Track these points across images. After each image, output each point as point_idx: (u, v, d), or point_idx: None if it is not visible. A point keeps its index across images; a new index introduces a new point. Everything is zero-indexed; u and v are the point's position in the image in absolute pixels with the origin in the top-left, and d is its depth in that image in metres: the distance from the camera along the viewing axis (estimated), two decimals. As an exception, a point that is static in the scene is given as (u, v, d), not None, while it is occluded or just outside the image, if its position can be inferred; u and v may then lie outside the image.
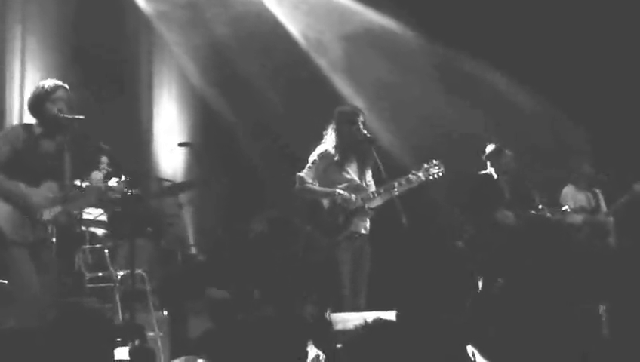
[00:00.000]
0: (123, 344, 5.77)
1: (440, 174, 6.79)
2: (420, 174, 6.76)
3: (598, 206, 8.73)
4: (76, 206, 6.11)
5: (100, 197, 6.19)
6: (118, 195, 6.03)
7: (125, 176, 5.95)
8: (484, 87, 10.04)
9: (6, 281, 5.64)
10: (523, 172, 8.20)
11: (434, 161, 6.83)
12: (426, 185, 6.86)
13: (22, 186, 5.62)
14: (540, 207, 8.00)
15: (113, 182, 5.98)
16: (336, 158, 6.73)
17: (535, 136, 9.57)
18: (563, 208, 8.27)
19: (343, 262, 6.56)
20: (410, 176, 6.74)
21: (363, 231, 6.75)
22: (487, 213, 7.76)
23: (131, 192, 6.01)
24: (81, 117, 5.74)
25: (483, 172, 8.17)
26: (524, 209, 7.94)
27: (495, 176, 8.09)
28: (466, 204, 8.08)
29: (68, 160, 5.79)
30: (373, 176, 6.87)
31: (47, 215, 5.66)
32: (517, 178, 8.14)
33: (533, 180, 8.40)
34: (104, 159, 8.44)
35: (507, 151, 8.15)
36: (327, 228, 6.64)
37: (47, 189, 5.69)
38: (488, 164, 8.16)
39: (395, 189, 6.62)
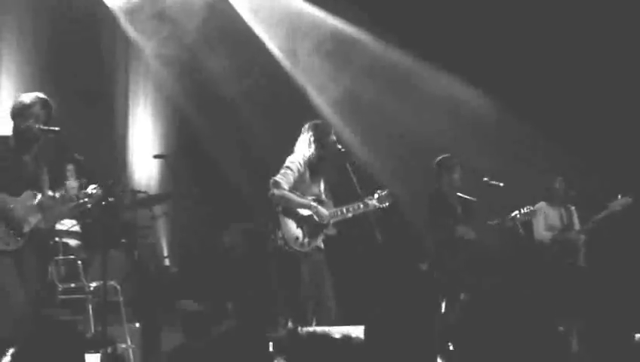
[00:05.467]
0: (95, 351, 5.79)
1: (387, 204, 6.89)
2: (375, 201, 6.86)
3: (570, 222, 8.71)
4: (53, 215, 6.11)
5: (76, 206, 6.16)
6: (94, 203, 6.03)
7: (101, 184, 5.96)
8: (455, 99, 10.12)
9: None
10: (489, 186, 8.00)
11: (384, 192, 6.94)
12: (378, 211, 6.92)
13: (6, 198, 5.68)
14: (512, 216, 7.94)
15: (90, 189, 5.98)
16: (312, 169, 6.74)
17: (506, 150, 9.65)
18: (512, 214, 8.04)
19: (305, 274, 6.57)
20: (366, 200, 6.81)
21: (322, 246, 6.80)
22: (447, 231, 7.73)
23: (107, 201, 6.01)
24: (55, 128, 5.78)
25: (433, 189, 8.00)
26: (478, 222, 7.89)
27: (444, 192, 7.95)
28: (427, 223, 8.05)
29: (45, 170, 5.86)
30: (348, 192, 6.92)
31: (28, 226, 5.72)
32: (481, 189, 8.00)
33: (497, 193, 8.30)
34: (70, 167, 8.43)
35: (457, 167, 7.95)
36: (297, 237, 6.63)
37: (26, 198, 5.75)
38: (437, 178, 7.98)
39: (350, 212, 6.76)
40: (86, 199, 5.98)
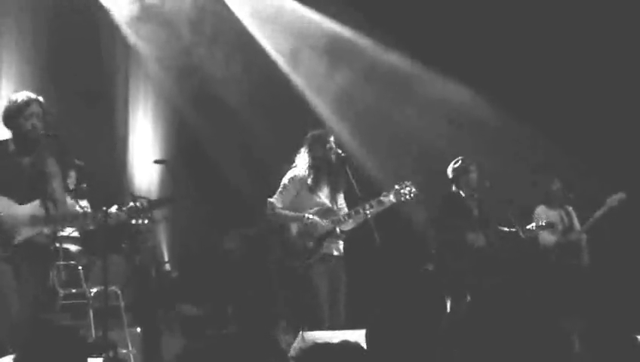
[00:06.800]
0: (96, 356, 5.77)
1: (412, 195, 6.77)
2: (392, 196, 6.73)
3: (570, 224, 8.69)
4: (70, 225, 6.07)
5: (97, 223, 6.07)
6: (118, 222, 5.99)
7: (126, 205, 5.90)
8: (453, 102, 10.12)
9: None
10: (492, 189, 7.92)
11: (406, 182, 6.80)
12: (398, 206, 6.86)
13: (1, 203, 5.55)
14: (513, 226, 7.91)
15: (114, 209, 5.87)
16: (308, 182, 6.72)
17: (505, 153, 9.64)
18: (529, 226, 8.10)
19: (318, 284, 6.54)
20: (381, 197, 6.72)
21: (335, 253, 6.73)
22: (457, 234, 7.71)
23: (136, 222, 5.96)
24: (56, 134, 5.72)
25: (450, 190, 7.98)
26: (492, 227, 7.86)
27: (462, 195, 7.91)
28: (436, 224, 8.01)
29: (51, 175, 5.73)
30: (348, 195, 6.88)
31: (21, 237, 5.56)
32: (486, 194, 7.94)
33: (504, 197, 8.19)
34: (72, 174, 8.41)
35: (473, 168, 7.94)
36: (297, 251, 6.62)
37: (32, 209, 5.60)
38: (454, 181, 7.95)
39: (367, 212, 6.57)
40: (109, 219, 5.90)
